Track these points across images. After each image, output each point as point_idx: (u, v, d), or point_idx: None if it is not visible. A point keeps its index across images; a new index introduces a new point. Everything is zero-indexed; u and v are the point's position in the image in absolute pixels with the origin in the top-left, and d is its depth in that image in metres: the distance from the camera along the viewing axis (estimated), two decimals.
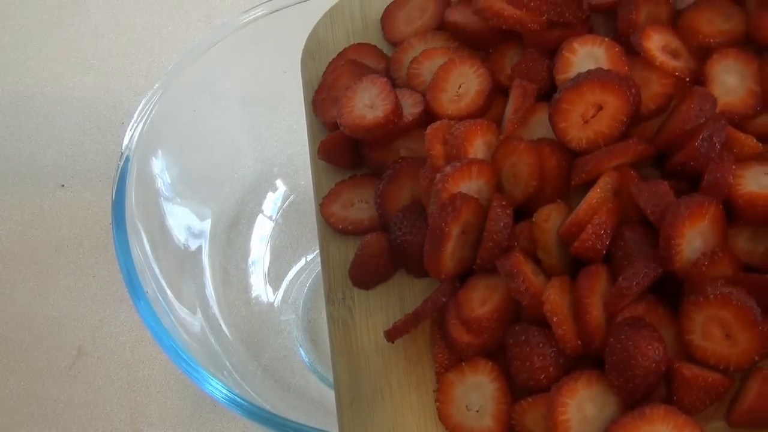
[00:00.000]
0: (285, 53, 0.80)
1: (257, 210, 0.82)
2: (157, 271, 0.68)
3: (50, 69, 0.97)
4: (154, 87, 0.72)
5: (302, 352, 0.78)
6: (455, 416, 0.46)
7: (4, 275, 0.83)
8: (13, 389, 0.77)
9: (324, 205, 0.55)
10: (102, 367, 0.78)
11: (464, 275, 0.48)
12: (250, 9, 0.76)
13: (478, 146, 0.49)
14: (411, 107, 0.53)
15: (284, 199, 0.84)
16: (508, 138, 0.49)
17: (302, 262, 0.83)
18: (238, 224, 0.80)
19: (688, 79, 0.49)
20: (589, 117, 0.47)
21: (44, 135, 0.92)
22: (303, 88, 0.60)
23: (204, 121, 0.79)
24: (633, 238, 0.45)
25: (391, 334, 0.48)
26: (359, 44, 0.59)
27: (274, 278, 0.81)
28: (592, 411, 0.43)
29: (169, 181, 0.74)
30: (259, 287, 0.80)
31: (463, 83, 0.52)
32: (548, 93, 0.50)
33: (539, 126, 0.50)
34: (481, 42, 0.55)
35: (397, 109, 0.52)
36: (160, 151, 0.73)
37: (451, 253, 0.47)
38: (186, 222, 0.75)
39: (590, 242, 0.44)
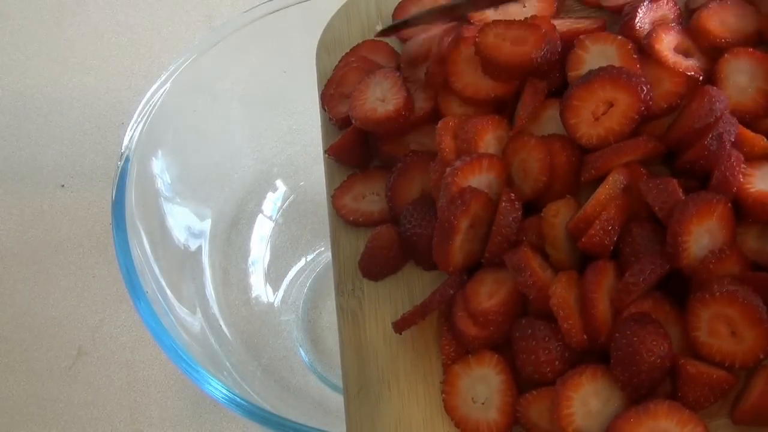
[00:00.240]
0: (285, 53, 0.81)
1: (257, 210, 0.82)
2: (157, 271, 0.68)
3: (50, 69, 0.97)
4: (154, 87, 0.72)
5: (302, 352, 0.78)
6: (461, 408, 0.47)
7: (4, 275, 0.83)
8: (13, 389, 0.77)
9: (335, 197, 0.55)
10: (102, 367, 0.78)
11: (472, 268, 0.48)
12: (250, 9, 0.76)
13: (488, 141, 0.50)
14: (422, 102, 0.53)
15: (284, 199, 0.84)
16: (519, 133, 0.49)
17: (302, 262, 0.83)
18: (238, 224, 0.80)
19: (700, 78, 0.49)
20: (599, 114, 0.47)
21: (44, 135, 0.92)
22: (317, 81, 0.60)
23: (204, 121, 0.79)
24: (641, 235, 0.45)
25: (399, 326, 0.48)
26: (372, 41, 0.59)
27: (274, 278, 0.81)
28: (596, 405, 0.43)
29: (169, 181, 0.74)
30: (259, 287, 0.80)
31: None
32: (560, 89, 0.50)
33: (550, 122, 0.50)
34: None
35: (408, 104, 0.52)
36: (160, 151, 0.73)
37: (459, 247, 0.47)
38: (186, 222, 0.75)
39: (598, 238, 0.45)
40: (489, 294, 0.47)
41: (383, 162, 0.55)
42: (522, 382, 0.46)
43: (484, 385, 0.46)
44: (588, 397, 0.43)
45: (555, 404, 0.43)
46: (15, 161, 0.91)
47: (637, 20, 0.50)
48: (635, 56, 0.49)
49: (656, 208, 0.45)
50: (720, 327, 0.43)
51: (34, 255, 0.84)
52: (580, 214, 0.46)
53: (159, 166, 0.73)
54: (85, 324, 0.80)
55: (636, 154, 0.46)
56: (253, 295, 0.80)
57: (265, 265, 0.81)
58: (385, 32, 0.57)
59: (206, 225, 0.77)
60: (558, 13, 0.55)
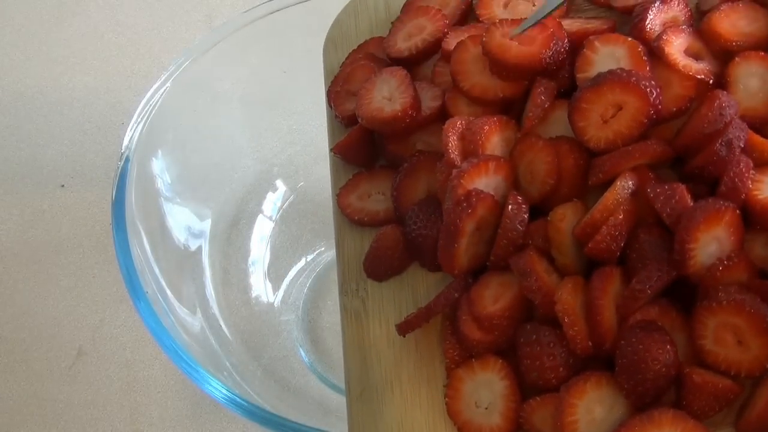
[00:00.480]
0: (285, 53, 0.81)
1: (257, 210, 0.82)
2: (157, 271, 0.68)
3: (50, 69, 0.97)
4: (154, 87, 0.72)
5: (302, 352, 0.78)
6: (464, 413, 0.46)
7: (4, 275, 0.83)
8: (13, 389, 0.77)
9: (341, 195, 0.55)
10: (102, 367, 0.78)
11: (478, 271, 0.48)
12: (250, 9, 0.76)
13: (495, 142, 0.49)
14: (430, 101, 0.53)
15: (284, 200, 0.84)
16: (527, 135, 0.49)
17: (302, 262, 0.83)
18: (238, 224, 0.80)
19: (710, 82, 0.48)
20: (608, 117, 0.46)
21: (44, 135, 0.92)
22: (324, 77, 0.60)
23: (204, 121, 0.79)
24: (648, 241, 0.45)
25: (403, 328, 0.48)
26: (380, 38, 0.58)
27: (274, 278, 0.81)
28: (600, 413, 0.43)
29: (169, 181, 0.74)
30: (259, 287, 0.80)
31: None
32: (568, 90, 0.50)
33: (558, 123, 0.49)
34: None
35: (415, 103, 0.52)
36: (160, 151, 0.73)
37: (464, 249, 0.47)
38: (186, 222, 0.75)
39: (605, 244, 0.44)
40: (494, 298, 0.47)
41: (389, 161, 0.54)
42: (526, 388, 0.46)
43: (487, 390, 0.46)
44: (592, 405, 0.43)
45: (558, 411, 0.43)
46: (15, 161, 0.91)
47: (647, 21, 0.50)
48: (645, 58, 0.48)
49: (664, 215, 0.44)
50: (726, 336, 0.42)
51: (34, 255, 0.84)
52: (587, 218, 0.45)
53: (159, 166, 0.73)
54: (85, 324, 0.80)
55: (644, 158, 0.46)
56: (253, 295, 0.80)
57: (265, 265, 0.81)
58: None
59: (206, 225, 0.77)
60: (568, 13, 0.55)
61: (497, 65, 0.50)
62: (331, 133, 0.58)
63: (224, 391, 0.59)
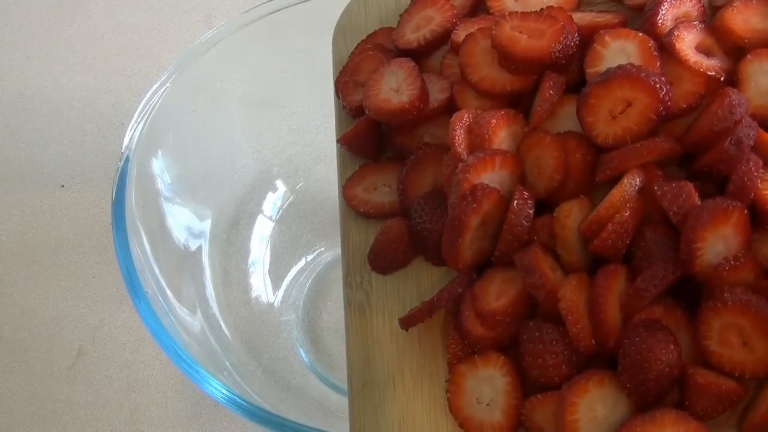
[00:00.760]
0: (285, 53, 0.81)
1: (257, 210, 0.82)
2: (157, 271, 0.68)
3: (50, 69, 0.97)
4: (154, 87, 0.72)
5: (302, 352, 0.78)
6: (465, 408, 0.46)
7: (4, 275, 0.83)
8: (13, 389, 0.77)
9: (347, 187, 0.54)
10: (102, 367, 0.78)
11: (482, 266, 0.48)
12: (250, 9, 0.76)
13: (503, 136, 0.49)
14: (437, 93, 0.52)
15: (284, 200, 0.84)
16: (534, 130, 0.48)
17: (302, 262, 0.83)
18: (238, 224, 0.80)
19: (721, 79, 0.48)
20: (617, 113, 0.46)
21: (44, 135, 0.92)
22: (332, 67, 0.59)
23: (204, 121, 0.79)
24: (654, 239, 0.44)
25: (406, 322, 0.48)
26: (389, 29, 0.58)
27: (274, 278, 0.81)
28: (602, 412, 0.43)
29: (169, 181, 0.74)
30: (259, 287, 0.80)
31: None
32: (578, 84, 0.49)
33: (566, 119, 0.49)
34: None
35: (423, 95, 0.51)
36: (160, 151, 0.73)
37: (469, 244, 0.46)
38: (186, 222, 0.75)
39: (610, 241, 0.44)
40: (497, 294, 0.46)
41: (396, 153, 0.54)
42: (528, 385, 0.45)
43: (489, 386, 0.46)
44: (594, 404, 0.43)
45: (560, 409, 0.43)
46: (15, 161, 0.91)
47: (659, 17, 0.49)
48: (655, 54, 0.47)
49: (670, 213, 0.44)
50: (731, 336, 0.42)
51: (34, 255, 0.84)
52: (593, 215, 0.45)
53: (159, 166, 0.73)
54: (85, 324, 0.80)
55: (653, 156, 0.46)
56: (253, 295, 0.80)
57: (265, 266, 0.81)
58: None
59: (206, 225, 0.77)
60: (579, 6, 0.54)
61: (506, 59, 0.50)
62: (339, 123, 0.57)
63: (224, 391, 0.59)
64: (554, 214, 0.46)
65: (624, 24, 0.51)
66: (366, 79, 0.54)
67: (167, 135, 0.74)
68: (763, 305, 0.41)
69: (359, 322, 0.50)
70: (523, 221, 0.46)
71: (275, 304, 0.81)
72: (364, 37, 0.59)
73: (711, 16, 0.51)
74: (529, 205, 0.46)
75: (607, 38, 0.49)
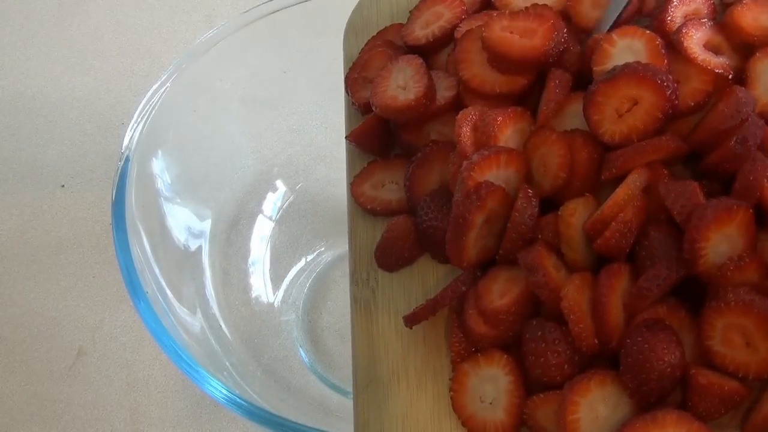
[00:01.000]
0: (285, 53, 0.81)
1: (257, 210, 0.82)
2: (157, 271, 0.68)
3: (50, 69, 0.97)
4: (154, 87, 0.72)
5: (302, 352, 0.78)
6: (469, 407, 0.46)
7: (4, 275, 0.83)
8: (13, 389, 0.77)
9: (355, 183, 0.54)
10: (102, 367, 0.78)
11: (487, 265, 0.48)
12: (250, 9, 0.76)
13: (509, 134, 0.49)
14: (445, 90, 0.52)
15: (284, 200, 0.84)
16: (540, 128, 0.48)
17: (302, 262, 0.83)
18: (238, 224, 0.80)
19: (729, 77, 0.47)
20: (623, 111, 0.46)
21: (44, 135, 0.92)
22: (343, 64, 0.59)
23: (204, 121, 0.78)
24: (658, 238, 0.44)
25: (410, 320, 0.48)
26: (399, 25, 0.58)
27: (274, 278, 0.81)
28: (604, 411, 0.43)
29: (169, 181, 0.74)
30: (259, 287, 0.80)
31: None
32: (585, 82, 0.49)
33: (573, 117, 0.49)
34: None
35: (429, 92, 0.51)
36: (160, 151, 0.73)
37: (473, 242, 0.46)
38: (186, 222, 0.75)
39: (614, 240, 0.44)
40: (501, 292, 0.46)
41: (403, 150, 0.54)
42: (531, 384, 0.45)
43: (492, 385, 0.46)
44: (596, 403, 0.43)
45: (561, 408, 0.43)
46: (15, 161, 0.91)
47: (668, 14, 0.49)
48: (663, 52, 0.47)
49: (675, 212, 0.43)
50: (734, 337, 0.42)
51: (34, 255, 0.84)
52: (597, 214, 0.45)
53: (159, 166, 0.73)
54: (85, 324, 0.80)
55: (659, 154, 0.45)
56: (253, 295, 0.80)
57: (265, 266, 0.81)
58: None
59: (206, 225, 0.77)
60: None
61: (499, 59, 0.50)
62: (348, 120, 0.57)
63: (224, 391, 0.59)
64: (559, 213, 0.46)
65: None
66: (374, 76, 0.54)
67: (167, 135, 0.74)
68: (767, 305, 0.41)
69: (365, 319, 0.50)
70: (528, 220, 0.46)
71: (275, 304, 0.81)
72: (374, 34, 0.58)
73: (722, 13, 0.50)
74: (534, 204, 0.46)
75: (614, 36, 0.48)
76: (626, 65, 0.46)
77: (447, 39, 0.55)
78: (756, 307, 0.41)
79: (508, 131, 0.49)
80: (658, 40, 0.48)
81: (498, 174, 0.47)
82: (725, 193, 0.44)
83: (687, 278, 0.43)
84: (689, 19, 0.49)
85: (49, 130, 0.92)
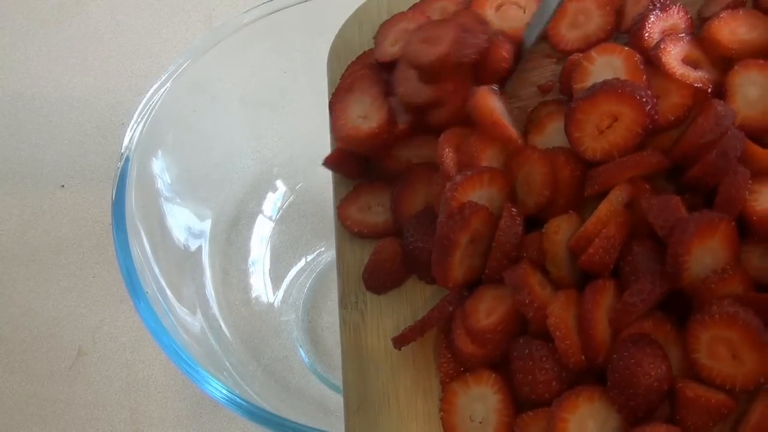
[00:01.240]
0: (285, 53, 0.81)
1: (257, 210, 0.82)
2: (157, 271, 0.68)
3: (50, 69, 0.97)
4: (154, 87, 0.72)
5: (302, 352, 0.78)
6: (459, 427, 0.46)
7: (4, 275, 0.83)
8: (13, 389, 0.77)
9: (341, 207, 0.55)
10: (102, 367, 0.78)
11: (473, 284, 0.48)
12: (250, 9, 0.76)
13: (491, 154, 0.49)
14: (404, 114, 0.52)
15: (284, 200, 0.84)
16: (522, 146, 0.48)
17: (302, 262, 0.83)
18: (238, 224, 0.80)
19: (708, 90, 0.48)
20: (604, 128, 0.46)
21: (44, 135, 0.92)
22: (327, 88, 0.60)
23: (204, 121, 0.79)
24: (641, 253, 0.44)
25: (399, 341, 0.48)
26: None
27: (274, 279, 0.81)
28: (593, 427, 0.43)
29: (169, 181, 0.74)
30: (259, 288, 0.80)
31: None
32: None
33: (555, 134, 0.49)
34: None
35: (391, 118, 0.51)
36: (160, 151, 0.73)
37: (459, 262, 0.46)
38: (186, 222, 0.75)
39: (597, 256, 0.44)
40: (488, 312, 0.46)
41: (379, 174, 0.54)
42: (520, 402, 0.45)
43: (481, 404, 0.46)
44: (584, 419, 0.43)
45: (551, 426, 0.43)
46: (15, 161, 0.91)
47: (645, 30, 0.49)
48: (642, 68, 0.47)
49: (657, 227, 0.44)
50: (720, 349, 0.42)
51: (34, 255, 0.84)
52: (580, 231, 0.45)
53: (159, 166, 0.73)
54: (85, 324, 0.80)
55: (640, 169, 0.46)
56: (253, 295, 0.80)
57: (265, 266, 0.81)
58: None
59: (206, 225, 0.77)
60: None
61: (417, 70, 0.51)
62: (333, 142, 0.57)
63: (224, 391, 0.59)
64: (543, 230, 0.46)
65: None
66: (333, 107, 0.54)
67: (167, 135, 0.74)
68: (751, 317, 0.41)
69: (354, 341, 0.51)
70: (512, 238, 0.46)
71: (275, 305, 0.81)
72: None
73: (699, 27, 0.51)
74: (518, 222, 0.46)
75: (593, 54, 0.49)
76: (605, 82, 0.46)
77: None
78: (740, 319, 0.41)
79: (489, 151, 0.49)
80: (637, 56, 0.48)
81: (481, 193, 0.47)
82: (707, 206, 0.44)
83: (672, 291, 0.43)
84: (667, 34, 0.50)
85: (49, 130, 0.93)
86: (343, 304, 0.52)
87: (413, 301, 0.51)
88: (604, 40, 0.52)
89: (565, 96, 0.51)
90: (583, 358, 0.44)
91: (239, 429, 0.74)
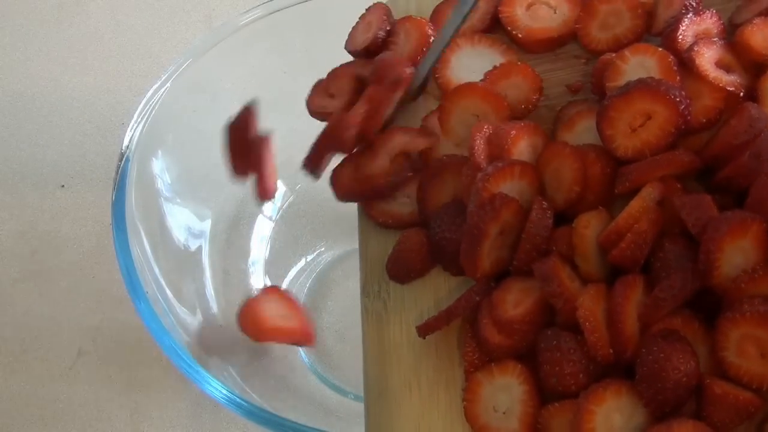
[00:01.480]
0: (285, 53, 0.81)
1: (257, 210, 0.82)
2: (157, 271, 0.68)
3: (50, 69, 0.97)
4: (154, 87, 0.72)
5: (302, 352, 0.78)
6: (482, 417, 0.46)
7: (4, 275, 0.83)
8: (13, 390, 0.77)
9: None
10: (102, 367, 0.78)
11: (500, 276, 0.48)
12: (250, 9, 0.76)
13: (522, 147, 0.49)
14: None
15: (284, 200, 0.84)
16: (554, 142, 0.49)
17: (302, 262, 0.83)
18: (238, 224, 0.80)
19: (740, 94, 0.48)
20: (636, 126, 0.46)
21: (44, 135, 0.92)
22: None
23: (204, 121, 0.78)
24: (673, 250, 0.44)
25: (423, 330, 0.48)
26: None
27: (274, 279, 0.81)
28: (619, 421, 0.43)
29: (169, 181, 0.74)
30: (259, 288, 0.80)
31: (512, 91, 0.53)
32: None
33: (586, 132, 0.49)
34: (530, 46, 0.55)
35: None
36: (160, 151, 0.73)
37: (487, 253, 0.47)
38: (186, 222, 0.75)
39: (629, 251, 0.44)
40: (515, 302, 0.46)
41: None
42: (545, 394, 0.45)
43: (506, 394, 0.46)
44: (611, 413, 0.43)
45: (577, 418, 0.43)
46: (15, 161, 0.90)
47: (679, 33, 0.49)
48: (675, 69, 0.48)
49: (689, 224, 0.44)
50: (749, 348, 0.42)
51: (34, 255, 0.84)
52: (612, 226, 0.45)
53: (159, 166, 0.73)
54: (85, 324, 0.80)
55: (672, 168, 0.46)
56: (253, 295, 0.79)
57: (265, 266, 0.81)
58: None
59: (206, 225, 0.77)
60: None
61: None
62: None
63: (224, 391, 0.59)
64: (573, 225, 0.46)
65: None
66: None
67: (167, 135, 0.74)
68: None
69: (376, 330, 0.51)
70: (542, 231, 0.46)
71: None
72: None
73: (731, 33, 0.51)
74: (548, 215, 0.46)
75: (627, 53, 0.49)
76: (640, 80, 0.46)
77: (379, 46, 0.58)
78: None
79: (521, 144, 0.49)
80: (671, 58, 0.48)
81: (512, 186, 0.47)
82: (737, 207, 0.44)
83: (700, 291, 0.44)
84: (700, 38, 0.50)
85: (49, 130, 0.92)
86: (365, 292, 0.52)
87: (436, 291, 0.51)
88: (633, 42, 0.52)
89: (596, 95, 0.52)
90: (611, 351, 0.44)
91: (239, 429, 0.74)
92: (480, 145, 0.49)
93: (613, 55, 0.50)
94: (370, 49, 0.57)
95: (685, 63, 0.48)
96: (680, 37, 0.50)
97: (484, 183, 0.46)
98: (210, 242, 0.77)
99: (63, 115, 0.93)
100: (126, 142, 0.69)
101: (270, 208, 0.83)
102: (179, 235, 0.74)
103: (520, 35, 0.55)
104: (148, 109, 0.71)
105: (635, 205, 0.45)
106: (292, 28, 0.78)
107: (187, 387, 0.76)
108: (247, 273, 0.80)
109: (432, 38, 0.55)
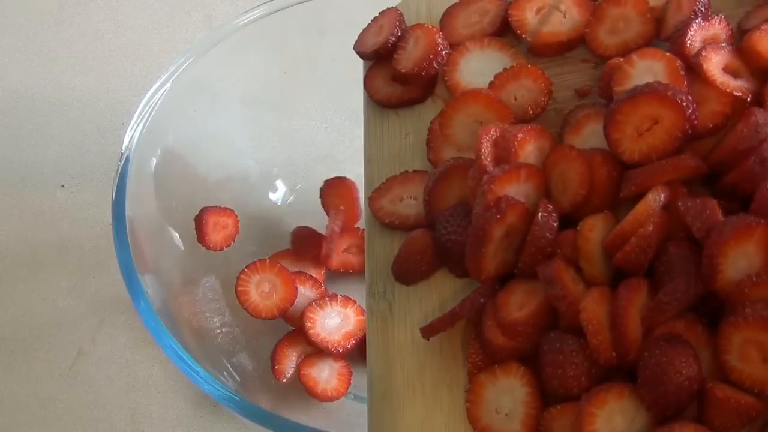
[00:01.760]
0: (285, 53, 0.81)
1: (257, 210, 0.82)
2: (157, 271, 0.68)
3: (50, 69, 0.97)
4: (154, 87, 0.72)
5: None
6: (484, 418, 0.46)
7: (4, 275, 0.83)
8: (13, 389, 0.77)
9: (373, 198, 0.55)
10: (102, 367, 0.78)
11: (505, 278, 0.48)
12: (250, 9, 0.76)
13: (529, 150, 0.49)
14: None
15: (284, 200, 0.84)
16: (560, 145, 0.49)
17: None
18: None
19: (747, 100, 0.48)
20: (643, 130, 0.46)
21: (44, 135, 0.92)
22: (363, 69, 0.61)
23: (204, 121, 0.79)
24: (677, 254, 0.44)
25: (427, 331, 0.48)
26: None
27: None
28: (621, 424, 0.43)
29: (169, 182, 0.74)
30: None
31: (521, 93, 0.53)
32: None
33: (593, 136, 0.49)
34: (539, 50, 0.55)
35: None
36: (160, 151, 0.73)
37: (492, 255, 0.47)
38: (186, 222, 0.75)
39: (633, 254, 0.44)
40: (519, 305, 0.46)
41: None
42: (547, 396, 0.45)
43: (508, 396, 0.46)
44: (613, 415, 0.43)
45: (579, 420, 0.43)
46: (15, 161, 0.91)
47: (687, 38, 0.49)
48: (682, 74, 0.48)
49: (694, 228, 0.44)
50: (751, 352, 0.42)
51: (34, 255, 0.84)
52: (617, 229, 0.45)
53: (159, 166, 0.73)
54: (85, 324, 0.80)
55: (678, 173, 0.46)
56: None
57: None
58: None
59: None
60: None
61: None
62: (367, 122, 0.58)
63: (224, 391, 0.59)
64: (578, 228, 0.46)
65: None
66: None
67: (167, 135, 0.74)
68: None
69: (381, 331, 0.51)
70: (547, 234, 0.46)
71: None
72: None
73: (739, 39, 0.51)
74: (554, 218, 0.46)
75: (634, 57, 0.49)
76: (647, 84, 0.46)
77: (389, 50, 0.58)
78: None
79: (528, 147, 0.49)
80: (678, 62, 0.48)
81: (518, 188, 0.47)
82: (743, 212, 0.44)
83: (704, 296, 0.43)
84: (708, 43, 0.50)
85: (49, 130, 0.93)
86: (370, 293, 0.52)
87: (441, 293, 0.51)
88: (642, 47, 0.52)
89: (604, 99, 0.52)
90: (614, 354, 0.44)
91: (239, 429, 0.74)
92: (487, 147, 0.49)
93: (621, 59, 0.50)
94: (380, 53, 0.57)
95: (692, 68, 0.48)
96: (688, 42, 0.49)
97: (490, 185, 0.46)
98: None
99: (63, 115, 0.94)
100: (126, 142, 0.69)
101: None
102: (179, 235, 0.74)
103: (529, 39, 0.55)
104: (148, 109, 0.71)
105: (641, 209, 0.45)
106: (292, 28, 0.78)
107: (187, 387, 0.76)
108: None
109: (441, 47, 0.56)
